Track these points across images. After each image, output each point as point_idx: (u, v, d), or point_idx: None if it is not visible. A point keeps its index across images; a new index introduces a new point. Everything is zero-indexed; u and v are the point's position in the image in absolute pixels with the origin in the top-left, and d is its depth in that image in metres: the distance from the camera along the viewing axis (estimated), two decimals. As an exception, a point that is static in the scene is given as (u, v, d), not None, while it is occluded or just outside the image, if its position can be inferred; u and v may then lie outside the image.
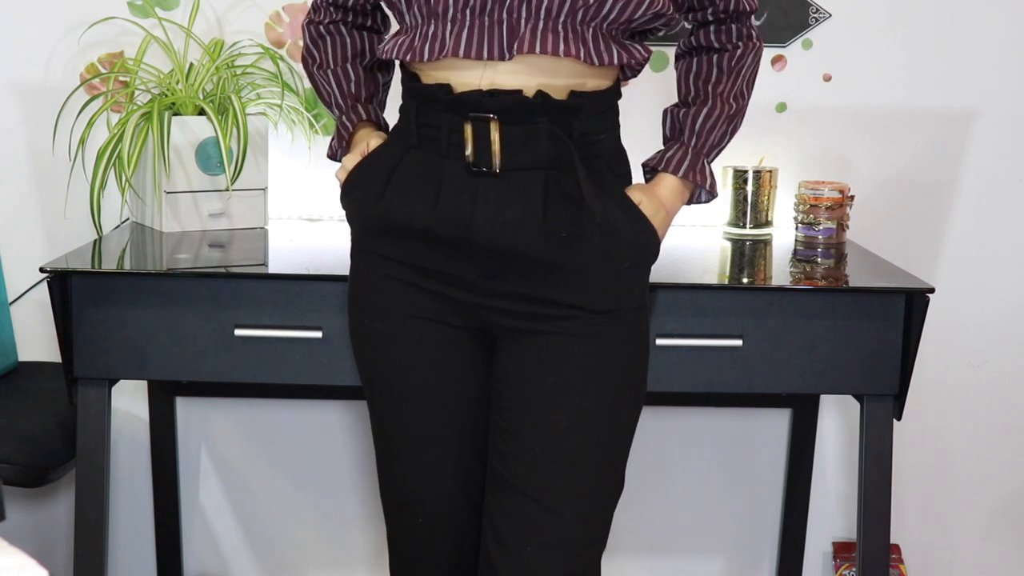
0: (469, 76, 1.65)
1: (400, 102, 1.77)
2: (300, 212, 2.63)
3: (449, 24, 1.63)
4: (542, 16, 1.61)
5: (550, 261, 1.68)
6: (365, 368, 1.82)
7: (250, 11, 2.57)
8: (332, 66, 1.86)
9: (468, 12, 1.62)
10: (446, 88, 1.67)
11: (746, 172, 2.55)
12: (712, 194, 1.83)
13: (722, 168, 2.60)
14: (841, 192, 2.50)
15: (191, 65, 2.47)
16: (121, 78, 2.51)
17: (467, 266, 1.69)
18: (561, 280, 1.69)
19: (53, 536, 2.73)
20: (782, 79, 2.63)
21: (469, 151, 1.65)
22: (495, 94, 1.64)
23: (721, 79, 1.81)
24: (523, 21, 1.62)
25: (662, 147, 1.83)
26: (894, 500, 2.40)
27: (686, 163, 1.78)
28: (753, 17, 1.85)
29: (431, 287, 1.72)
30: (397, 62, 1.83)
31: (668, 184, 1.78)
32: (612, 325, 1.73)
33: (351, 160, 1.79)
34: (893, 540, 2.73)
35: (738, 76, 1.81)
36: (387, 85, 1.92)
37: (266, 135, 2.48)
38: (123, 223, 2.54)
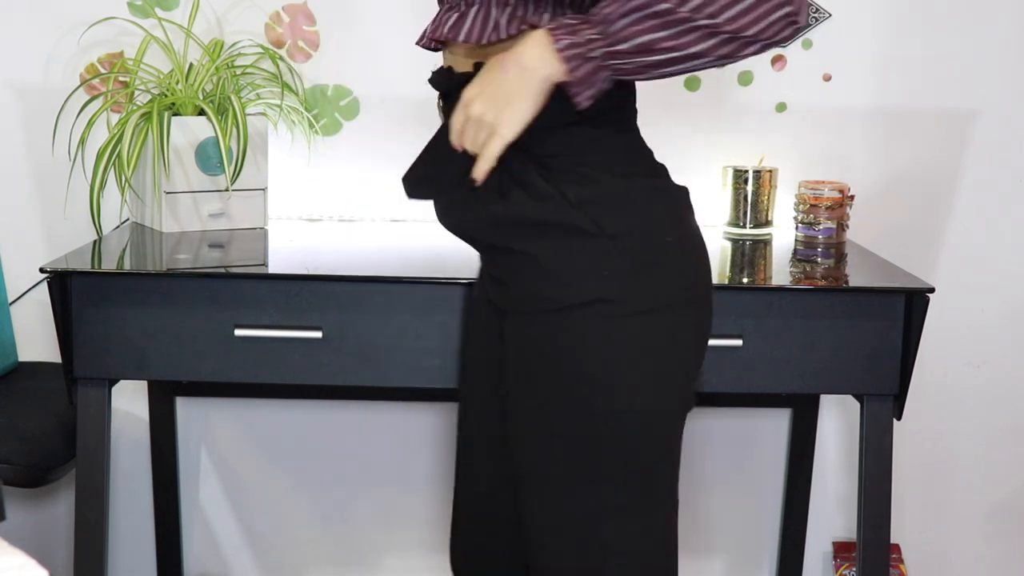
0: (448, 58, 1.64)
1: None
2: (300, 212, 2.63)
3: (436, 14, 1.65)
4: None
5: (487, 245, 1.61)
6: None
7: (250, 11, 2.57)
8: None
9: None
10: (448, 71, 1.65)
11: (746, 172, 2.55)
12: (573, 90, 1.43)
13: (722, 168, 2.60)
14: (841, 192, 2.50)
15: (191, 65, 2.47)
16: (121, 78, 2.51)
17: None
18: (503, 266, 1.60)
19: (53, 536, 2.73)
20: (782, 79, 2.63)
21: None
22: (441, 71, 1.64)
23: None
24: (464, 4, 1.57)
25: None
26: (894, 500, 2.40)
27: (565, 24, 1.43)
28: None
29: None
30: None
31: (529, 36, 1.45)
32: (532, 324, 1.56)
33: None
34: (893, 540, 2.73)
35: None
36: None
37: (266, 135, 2.48)
38: (123, 223, 2.54)
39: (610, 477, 1.55)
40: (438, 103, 1.67)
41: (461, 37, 1.54)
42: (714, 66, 1.42)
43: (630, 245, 1.52)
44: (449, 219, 1.65)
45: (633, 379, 1.53)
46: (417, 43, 1.67)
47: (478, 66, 1.55)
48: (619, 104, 1.58)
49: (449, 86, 1.61)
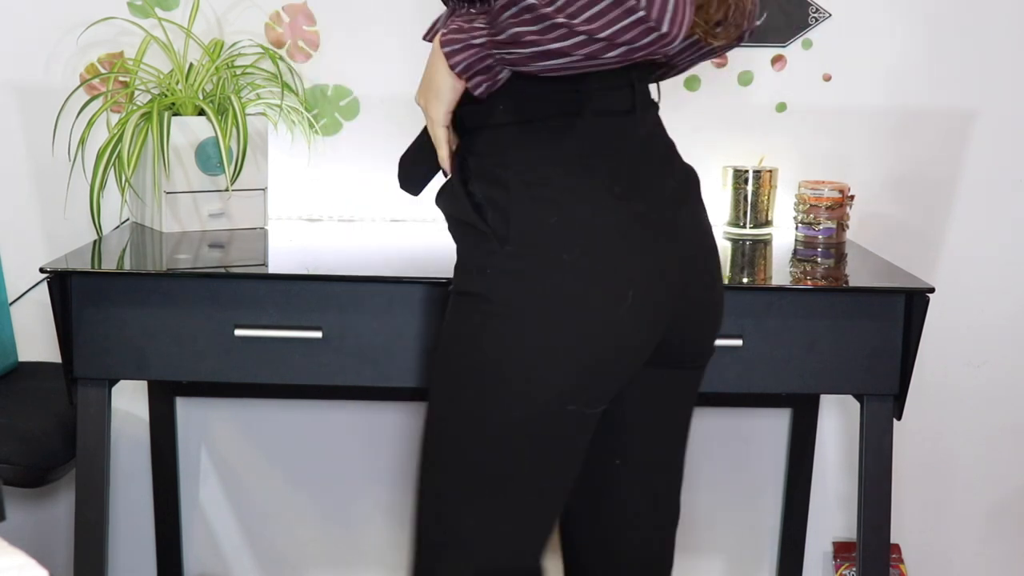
0: None
1: None
2: (300, 212, 2.63)
3: None
4: None
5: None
6: None
7: (250, 11, 2.57)
8: None
9: None
10: None
11: (746, 172, 2.55)
12: (467, 74, 1.51)
13: (722, 168, 2.60)
14: (841, 192, 2.50)
15: (191, 65, 2.47)
16: (121, 78, 2.51)
17: None
18: None
19: (53, 536, 2.73)
20: (782, 79, 2.63)
21: None
22: None
23: None
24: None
25: None
26: (894, 500, 2.40)
27: (464, 15, 1.54)
28: None
29: None
30: None
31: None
32: (451, 303, 1.64)
33: None
34: (893, 540, 2.73)
35: None
36: None
37: (266, 135, 2.48)
38: (123, 223, 2.54)
39: (446, 464, 1.64)
40: None
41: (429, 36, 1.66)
42: (587, 66, 1.43)
43: (521, 253, 1.54)
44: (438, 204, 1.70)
45: (492, 380, 1.58)
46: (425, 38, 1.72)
47: None
48: (563, 111, 1.56)
49: None
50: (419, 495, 1.68)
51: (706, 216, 1.71)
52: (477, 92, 1.52)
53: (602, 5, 1.37)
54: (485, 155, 1.58)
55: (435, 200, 1.67)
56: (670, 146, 1.68)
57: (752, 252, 2.48)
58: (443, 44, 1.50)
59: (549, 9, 1.39)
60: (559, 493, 1.67)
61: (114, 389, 2.19)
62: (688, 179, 1.69)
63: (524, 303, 1.54)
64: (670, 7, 1.37)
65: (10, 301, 2.57)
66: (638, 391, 1.71)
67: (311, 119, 2.55)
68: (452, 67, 1.50)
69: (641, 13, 1.36)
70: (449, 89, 1.54)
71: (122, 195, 2.36)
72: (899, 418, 2.17)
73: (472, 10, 1.55)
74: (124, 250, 2.33)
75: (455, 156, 1.61)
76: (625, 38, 1.38)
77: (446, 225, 1.67)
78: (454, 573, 1.64)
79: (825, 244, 2.49)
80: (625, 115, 1.59)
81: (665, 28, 1.37)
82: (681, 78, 2.61)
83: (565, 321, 1.54)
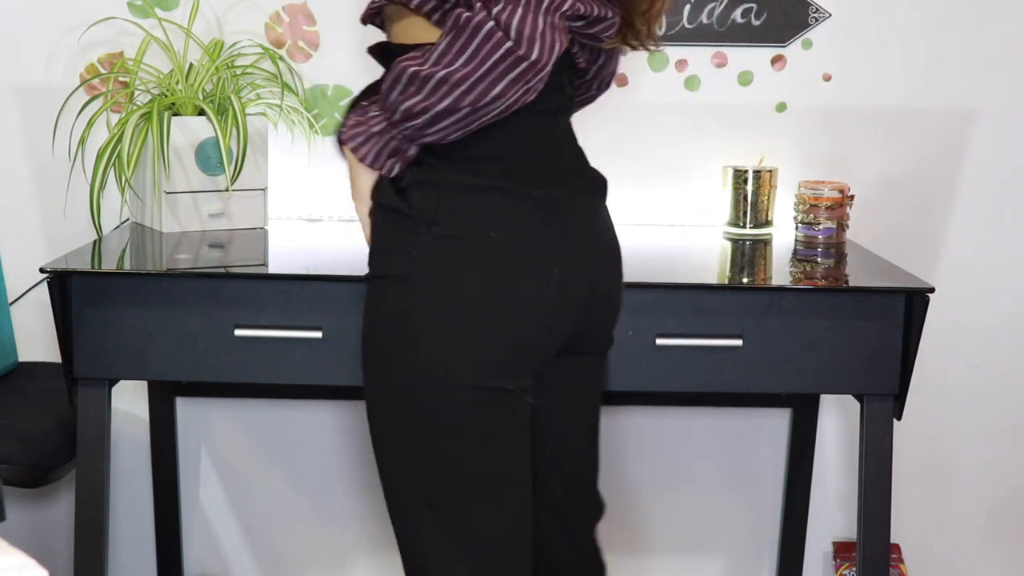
0: None
1: None
2: (300, 212, 2.63)
3: None
4: None
5: None
6: None
7: (250, 11, 2.57)
8: None
9: None
10: None
11: (746, 172, 2.55)
12: (378, 162, 1.59)
13: (722, 168, 2.60)
14: (841, 192, 2.50)
15: (191, 65, 2.47)
16: (121, 78, 2.51)
17: None
18: None
19: (53, 536, 2.73)
20: (782, 79, 2.63)
21: None
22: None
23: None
24: None
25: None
26: (894, 500, 2.40)
27: (360, 108, 1.63)
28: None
29: None
30: None
31: None
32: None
33: None
34: (893, 540, 2.73)
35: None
36: None
37: (266, 135, 2.48)
38: (123, 223, 2.54)
39: (384, 449, 1.67)
40: None
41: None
42: (476, 119, 1.51)
43: (449, 233, 1.57)
44: None
45: (422, 360, 1.59)
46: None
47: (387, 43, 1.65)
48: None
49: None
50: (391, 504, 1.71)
51: (610, 216, 1.77)
52: (393, 174, 1.58)
53: (473, 45, 1.46)
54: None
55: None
56: (581, 151, 1.73)
57: (752, 252, 2.48)
58: (346, 142, 1.58)
59: (427, 68, 1.48)
60: (510, 482, 1.67)
61: (114, 389, 2.19)
62: (599, 181, 1.75)
63: (452, 283, 1.57)
64: (537, 36, 1.46)
65: (10, 301, 2.57)
66: (551, 379, 1.73)
67: (311, 119, 2.55)
68: (361, 160, 1.58)
69: (509, 43, 1.45)
70: (367, 183, 1.61)
71: (122, 195, 2.36)
72: (899, 418, 2.17)
73: (363, 103, 1.62)
74: (124, 250, 2.33)
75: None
76: (499, 70, 1.46)
77: None
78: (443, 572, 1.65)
79: (825, 244, 2.49)
80: (551, 115, 1.65)
81: (534, 56, 1.47)
82: (681, 78, 2.61)
83: (494, 299, 1.57)
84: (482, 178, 1.58)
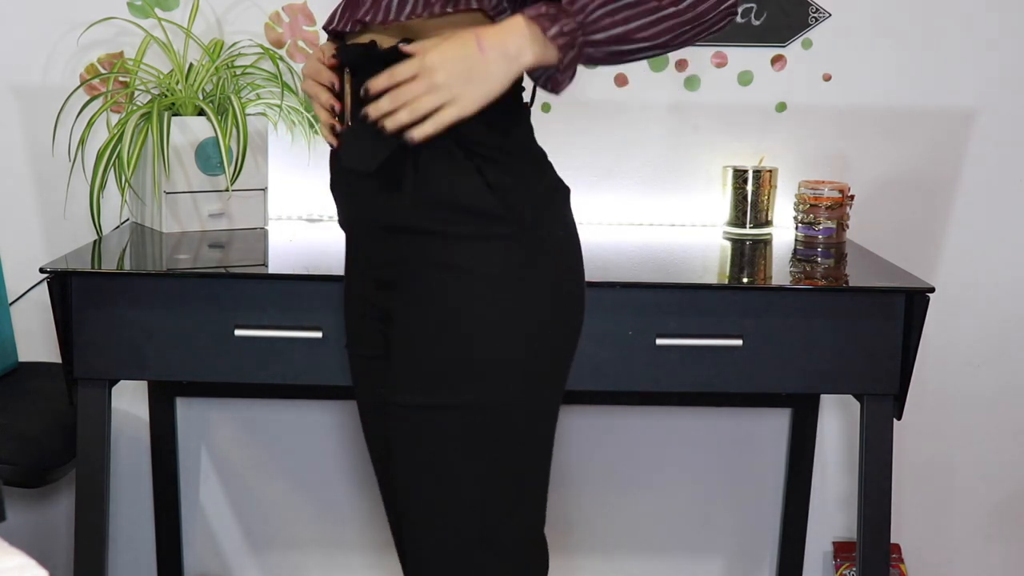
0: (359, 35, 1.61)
1: None
2: (300, 212, 2.63)
3: None
4: None
5: (398, 227, 1.61)
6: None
7: (250, 11, 2.57)
8: None
9: None
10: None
11: (746, 172, 2.55)
12: (559, 77, 1.51)
13: (722, 168, 2.60)
14: (841, 192, 2.50)
15: (191, 65, 2.47)
16: (121, 78, 2.51)
17: None
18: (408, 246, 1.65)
19: (53, 536, 2.73)
20: (782, 79, 2.63)
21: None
22: (349, 46, 1.60)
23: None
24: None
25: None
26: (894, 500, 2.40)
27: (546, 14, 1.48)
28: None
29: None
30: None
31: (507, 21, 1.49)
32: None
33: None
34: (893, 540, 2.73)
35: None
36: None
37: (266, 135, 2.48)
38: (123, 223, 2.54)
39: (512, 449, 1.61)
40: (342, 78, 1.60)
41: (391, 16, 1.54)
42: (666, 52, 1.53)
43: (530, 234, 1.56)
44: (366, 208, 1.61)
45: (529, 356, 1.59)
46: (329, 27, 1.64)
47: (405, 42, 1.53)
48: (521, 102, 1.61)
49: (369, 60, 1.56)
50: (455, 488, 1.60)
51: None
52: (560, 92, 1.52)
53: None
54: (486, 140, 1.55)
55: (406, 194, 1.57)
56: None
57: (752, 252, 2.48)
58: (561, 48, 1.47)
59: (654, 2, 1.47)
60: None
61: (114, 389, 2.19)
62: None
63: (531, 280, 1.56)
64: None
65: (10, 301, 2.57)
66: None
67: (311, 119, 2.55)
68: (563, 69, 1.48)
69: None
70: (504, 90, 1.48)
71: (122, 195, 2.36)
72: (899, 418, 2.17)
73: (541, 9, 1.48)
74: (124, 250, 2.33)
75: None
76: (715, 19, 1.50)
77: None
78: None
79: (825, 244, 2.49)
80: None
81: (737, 11, 1.54)
82: (680, 78, 2.61)
83: (571, 293, 1.61)
84: (549, 174, 1.61)
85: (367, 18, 1.57)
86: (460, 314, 1.55)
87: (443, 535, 1.59)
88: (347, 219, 1.70)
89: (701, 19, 1.49)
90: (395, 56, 1.52)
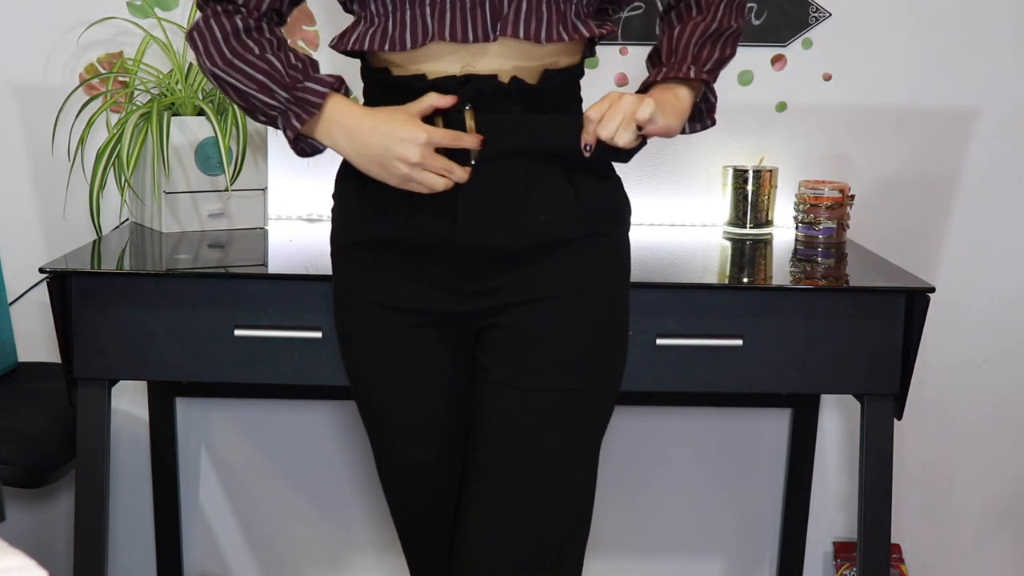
0: (446, 64, 1.60)
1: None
2: (300, 212, 2.63)
3: (428, 8, 1.59)
4: None
5: (555, 242, 1.69)
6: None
7: (250, 11, 2.57)
8: (258, 52, 1.65)
9: None
10: (421, 78, 1.61)
11: (746, 172, 2.55)
12: (711, 115, 1.76)
13: (722, 168, 2.60)
14: (841, 192, 2.50)
15: (190, 65, 2.46)
16: (120, 78, 2.51)
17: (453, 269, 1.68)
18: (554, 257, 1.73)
19: (53, 536, 2.73)
20: (782, 79, 2.63)
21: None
22: (469, 80, 1.60)
23: (701, 11, 1.73)
24: (505, 1, 1.59)
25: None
26: (894, 500, 2.40)
27: (675, 68, 1.69)
28: None
29: (410, 301, 1.71)
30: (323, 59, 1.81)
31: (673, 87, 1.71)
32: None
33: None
34: (893, 540, 2.73)
35: (719, 9, 1.72)
36: None
37: (266, 135, 2.48)
38: (122, 223, 2.54)
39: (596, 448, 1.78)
40: (465, 112, 1.61)
41: (531, 34, 1.61)
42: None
43: (627, 229, 1.79)
44: (510, 233, 1.65)
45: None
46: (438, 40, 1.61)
47: (550, 75, 1.64)
48: None
49: (492, 93, 1.61)
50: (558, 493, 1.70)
51: None
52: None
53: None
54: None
55: (560, 210, 1.68)
56: None
57: (752, 252, 2.48)
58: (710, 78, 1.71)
59: (735, 25, 1.73)
60: None
61: (114, 389, 2.19)
62: None
63: (627, 268, 1.77)
64: None
65: (10, 301, 2.57)
66: None
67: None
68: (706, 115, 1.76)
69: None
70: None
71: (122, 195, 2.36)
72: (899, 418, 2.17)
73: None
74: (124, 250, 2.33)
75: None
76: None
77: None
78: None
79: (825, 244, 2.49)
80: None
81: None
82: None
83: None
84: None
85: (510, 31, 1.62)
86: (612, 302, 1.73)
87: (554, 510, 1.69)
88: (461, 241, 1.66)
89: (742, 28, 1.76)
90: (537, 90, 1.64)
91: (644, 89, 1.70)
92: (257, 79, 1.62)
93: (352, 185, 1.71)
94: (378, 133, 1.59)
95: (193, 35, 1.65)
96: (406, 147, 1.58)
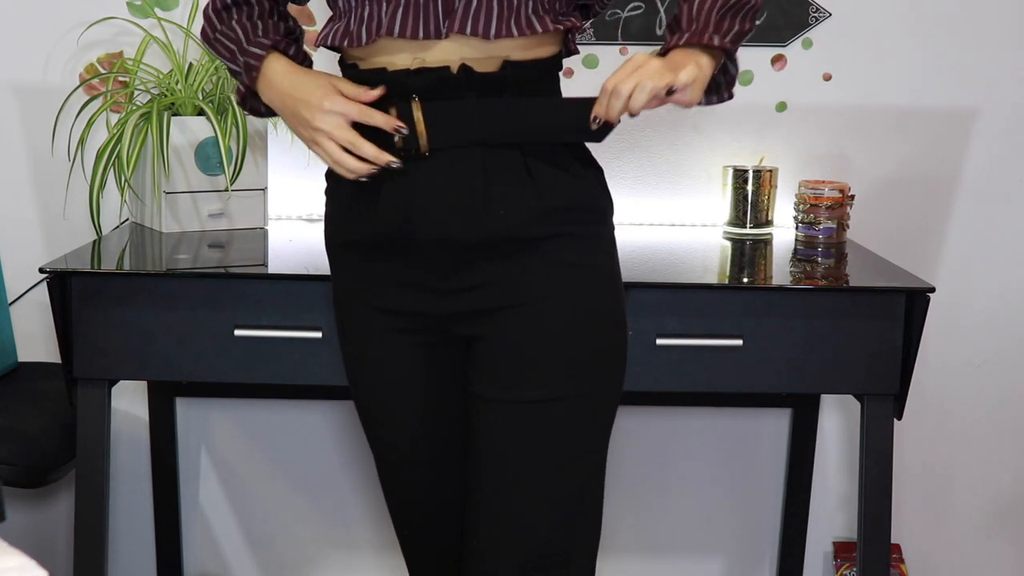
0: (400, 58, 1.62)
1: None
2: (300, 212, 2.63)
3: (384, 4, 1.60)
4: None
5: (521, 239, 1.66)
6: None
7: (250, 11, 2.57)
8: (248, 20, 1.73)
9: None
10: (381, 71, 1.63)
11: (746, 172, 2.55)
12: (729, 89, 1.71)
13: (722, 168, 2.60)
14: (841, 192, 2.50)
15: (190, 65, 2.47)
16: (120, 78, 2.51)
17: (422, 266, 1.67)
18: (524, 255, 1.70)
19: (53, 536, 2.73)
20: (782, 79, 2.63)
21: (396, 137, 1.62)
22: (419, 72, 1.61)
23: None
24: None
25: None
26: (894, 500, 2.40)
27: (698, 35, 1.64)
28: None
29: (390, 302, 1.70)
30: (318, 57, 1.81)
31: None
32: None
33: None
34: (893, 540, 2.73)
35: None
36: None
37: (265, 135, 2.48)
38: (122, 223, 2.54)
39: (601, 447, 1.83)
40: (412, 103, 1.61)
41: (479, 31, 1.59)
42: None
43: (611, 226, 1.75)
44: (467, 227, 1.63)
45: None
46: (392, 35, 1.62)
47: (508, 66, 1.61)
48: None
49: (438, 84, 1.61)
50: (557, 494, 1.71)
51: None
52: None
53: None
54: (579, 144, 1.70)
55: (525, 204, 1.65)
56: None
57: (752, 252, 2.48)
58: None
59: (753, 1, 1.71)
60: None
61: (114, 389, 2.19)
62: None
63: (617, 271, 1.73)
64: None
65: (10, 301, 2.57)
66: None
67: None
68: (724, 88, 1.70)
69: None
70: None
71: (122, 195, 2.36)
72: (899, 418, 2.17)
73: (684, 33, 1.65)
74: (124, 250, 2.33)
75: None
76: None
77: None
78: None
79: (825, 244, 2.49)
80: None
81: None
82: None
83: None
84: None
85: (458, 29, 1.60)
86: (590, 305, 1.68)
87: (554, 516, 1.70)
88: (419, 235, 1.65)
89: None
90: (490, 79, 1.61)
91: (664, 54, 1.65)
92: (228, 47, 1.72)
93: (331, 185, 1.76)
94: (296, 94, 1.67)
95: (207, 10, 1.75)
96: (311, 111, 1.64)
